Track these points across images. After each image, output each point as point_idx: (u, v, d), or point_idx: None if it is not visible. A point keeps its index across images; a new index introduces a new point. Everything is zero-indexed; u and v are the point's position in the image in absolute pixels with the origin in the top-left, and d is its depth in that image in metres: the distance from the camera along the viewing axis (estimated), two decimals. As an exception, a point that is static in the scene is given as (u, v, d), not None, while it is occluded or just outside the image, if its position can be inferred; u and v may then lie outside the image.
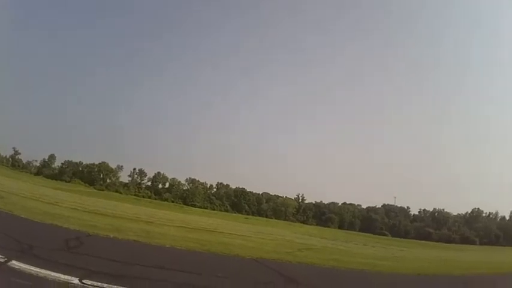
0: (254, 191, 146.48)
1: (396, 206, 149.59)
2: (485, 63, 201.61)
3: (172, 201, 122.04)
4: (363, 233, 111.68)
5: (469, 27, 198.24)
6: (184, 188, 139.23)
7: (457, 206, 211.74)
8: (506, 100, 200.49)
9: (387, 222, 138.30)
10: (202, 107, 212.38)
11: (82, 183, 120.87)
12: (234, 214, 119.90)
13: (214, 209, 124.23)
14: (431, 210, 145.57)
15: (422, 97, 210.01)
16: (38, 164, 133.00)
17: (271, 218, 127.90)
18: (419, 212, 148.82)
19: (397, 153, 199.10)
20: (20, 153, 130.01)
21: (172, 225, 27.50)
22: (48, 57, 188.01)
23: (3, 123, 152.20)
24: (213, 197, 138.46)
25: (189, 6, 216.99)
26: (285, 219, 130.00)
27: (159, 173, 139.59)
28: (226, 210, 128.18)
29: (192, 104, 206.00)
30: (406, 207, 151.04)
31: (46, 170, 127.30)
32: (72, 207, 26.80)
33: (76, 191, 79.51)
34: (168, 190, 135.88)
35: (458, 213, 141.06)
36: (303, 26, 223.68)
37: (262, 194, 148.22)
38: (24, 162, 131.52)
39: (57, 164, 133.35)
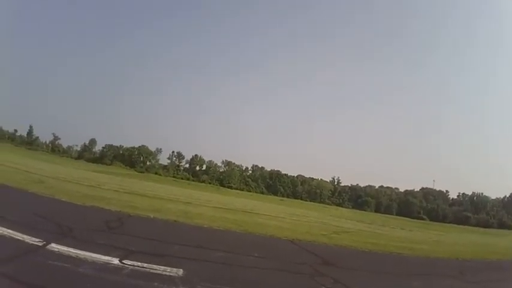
0: (289, 174, 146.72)
1: (435, 189, 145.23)
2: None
3: (209, 183, 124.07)
4: (400, 217, 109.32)
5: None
6: (220, 170, 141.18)
7: (496, 189, 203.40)
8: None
9: (425, 206, 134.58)
10: (238, 92, 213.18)
11: (123, 165, 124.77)
12: (270, 196, 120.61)
13: (250, 191, 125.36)
14: (470, 194, 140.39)
15: (461, 79, 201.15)
16: (78, 149, 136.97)
17: (306, 201, 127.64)
18: (458, 196, 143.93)
19: (437, 136, 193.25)
20: (59, 139, 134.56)
21: (210, 206, 27.88)
22: (87, 43, 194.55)
23: (43, 109, 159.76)
24: (249, 179, 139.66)
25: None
26: (320, 202, 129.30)
27: (196, 155, 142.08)
28: (262, 192, 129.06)
29: (229, 90, 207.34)
30: (445, 191, 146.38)
31: (87, 154, 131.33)
32: (113, 189, 27.33)
33: (117, 173, 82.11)
34: (205, 172, 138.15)
35: (497, 197, 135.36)
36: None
37: (297, 176, 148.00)
38: (64, 147, 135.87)
39: (97, 148, 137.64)
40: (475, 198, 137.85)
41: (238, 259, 9.14)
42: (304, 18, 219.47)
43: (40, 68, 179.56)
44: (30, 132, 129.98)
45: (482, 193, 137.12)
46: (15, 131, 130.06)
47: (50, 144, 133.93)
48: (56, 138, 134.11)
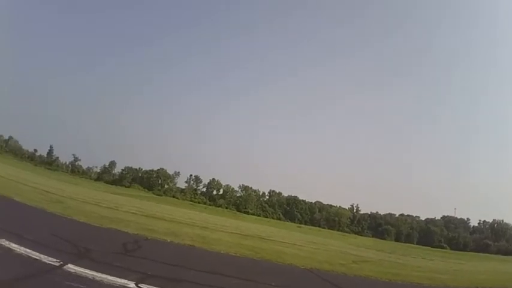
0: (307, 200, 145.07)
1: (456, 217, 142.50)
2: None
3: (226, 208, 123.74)
4: (421, 246, 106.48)
5: None
6: (237, 195, 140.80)
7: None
8: None
9: (446, 234, 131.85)
10: (256, 116, 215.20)
11: (141, 188, 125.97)
12: (287, 222, 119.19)
13: (266, 217, 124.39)
14: (490, 221, 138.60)
15: (483, 106, 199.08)
16: (98, 170, 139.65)
17: (324, 228, 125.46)
18: (478, 223, 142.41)
19: (458, 164, 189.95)
20: (79, 160, 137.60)
21: (227, 232, 27.67)
22: (108, 67, 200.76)
23: (64, 130, 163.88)
24: (266, 205, 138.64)
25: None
26: (338, 230, 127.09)
27: (214, 179, 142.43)
28: (279, 218, 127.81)
29: (247, 114, 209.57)
30: (466, 219, 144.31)
31: (106, 176, 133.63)
32: (131, 211, 27.51)
33: (135, 196, 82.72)
34: (222, 196, 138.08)
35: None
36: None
37: (315, 202, 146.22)
38: (84, 168, 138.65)
39: (117, 170, 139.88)
40: (495, 225, 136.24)
41: (254, 287, 8.86)
42: (320, 39, 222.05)
43: (61, 89, 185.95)
44: (50, 152, 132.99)
45: (502, 220, 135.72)
46: (35, 150, 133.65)
47: (70, 165, 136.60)
48: (76, 159, 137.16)
